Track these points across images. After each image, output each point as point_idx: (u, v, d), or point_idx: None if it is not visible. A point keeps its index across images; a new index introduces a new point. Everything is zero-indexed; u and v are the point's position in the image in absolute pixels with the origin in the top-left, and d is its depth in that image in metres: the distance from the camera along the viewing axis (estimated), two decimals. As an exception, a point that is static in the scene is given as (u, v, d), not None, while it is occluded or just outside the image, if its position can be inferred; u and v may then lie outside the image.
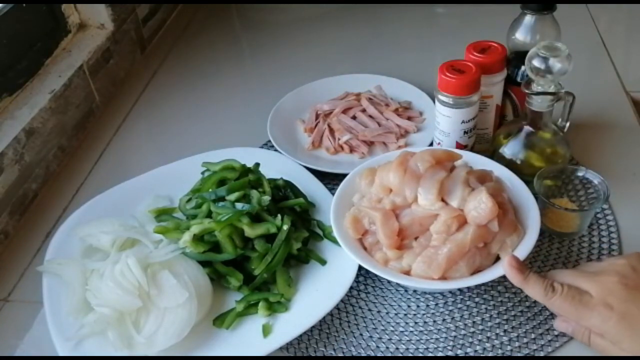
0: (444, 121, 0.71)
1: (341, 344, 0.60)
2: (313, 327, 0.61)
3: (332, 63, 1.04)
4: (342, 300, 0.62)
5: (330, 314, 0.63)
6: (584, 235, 0.68)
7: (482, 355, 0.58)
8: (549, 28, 0.70)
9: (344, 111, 0.87)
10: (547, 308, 0.60)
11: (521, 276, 0.54)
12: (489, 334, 0.60)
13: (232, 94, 0.99)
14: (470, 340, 0.59)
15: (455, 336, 0.60)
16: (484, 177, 0.62)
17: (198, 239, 0.63)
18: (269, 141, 0.83)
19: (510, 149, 0.70)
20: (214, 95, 0.99)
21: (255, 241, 0.63)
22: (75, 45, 0.95)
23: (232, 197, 0.65)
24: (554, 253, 0.67)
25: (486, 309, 0.62)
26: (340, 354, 0.59)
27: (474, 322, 0.61)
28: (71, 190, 0.82)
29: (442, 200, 0.59)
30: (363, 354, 0.59)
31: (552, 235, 0.68)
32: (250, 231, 0.63)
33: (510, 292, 0.63)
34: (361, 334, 0.61)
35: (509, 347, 0.58)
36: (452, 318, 0.61)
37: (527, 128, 0.69)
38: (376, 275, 0.65)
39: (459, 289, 0.64)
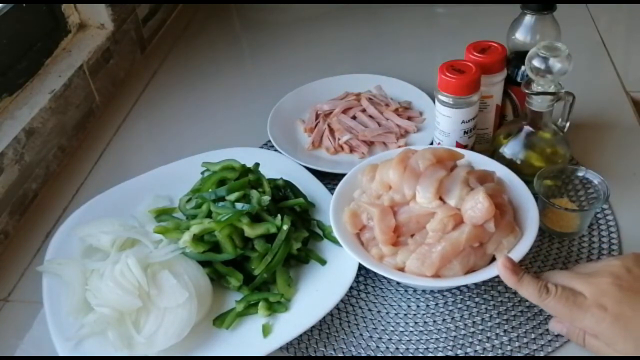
0: (444, 121, 0.71)
1: (341, 344, 0.60)
2: (313, 327, 0.61)
3: (332, 63, 1.04)
4: (342, 300, 0.62)
5: (330, 314, 0.63)
6: (584, 235, 0.68)
7: (482, 355, 0.58)
8: (549, 28, 0.70)
9: (344, 111, 0.87)
10: (547, 308, 0.60)
11: (515, 277, 0.54)
12: (489, 334, 0.60)
13: (232, 94, 0.99)
14: (470, 340, 0.59)
15: (455, 336, 0.60)
16: (484, 178, 0.62)
17: (198, 239, 0.63)
18: (269, 141, 0.83)
19: (510, 149, 0.70)
20: (214, 95, 0.99)
21: (255, 241, 0.63)
22: (75, 45, 0.95)
23: (232, 197, 0.65)
24: (554, 253, 0.67)
25: (486, 309, 0.62)
26: (340, 354, 0.59)
27: (474, 322, 0.61)
28: (71, 190, 0.82)
29: (440, 199, 0.59)
30: (363, 354, 0.59)
31: (552, 235, 0.68)
32: (250, 231, 0.63)
33: (510, 292, 0.63)
34: (361, 334, 0.61)
35: (509, 347, 0.58)
36: (452, 318, 0.61)
37: (527, 128, 0.69)
38: (376, 275, 0.65)
39: (459, 289, 0.64)
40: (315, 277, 0.64)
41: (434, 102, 0.72)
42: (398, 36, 1.12)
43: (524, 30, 0.71)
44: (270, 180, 0.70)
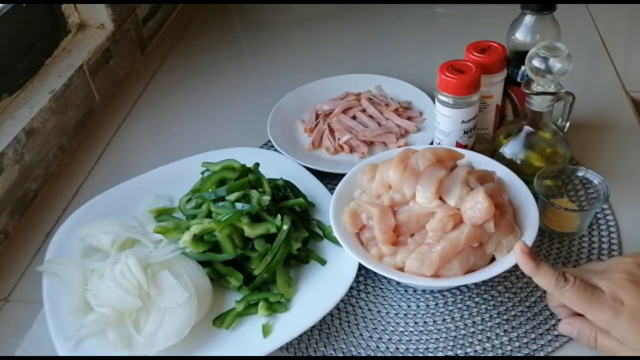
0: (444, 121, 0.71)
1: (341, 344, 0.60)
2: (313, 327, 0.61)
3: (332, 63, 1.04)
4: (342, 300, 0.62)
5: (330, 314, 0.63)
6: (584, 235, 0.68)
7: (482, 355, 0.58)
8: (549, 28, 0.70)
9: (344, 111, 0.87)
10: (547, 308, 0.60)
11: (533, 263, 0.53)
12: (489, 334, 0.60)
13: (232, 94, 0.99)
14: (470, 340, 0.59)
15: (455, 336, 0.60)
16: (484, 178, 0.62)
17: (198, 239, 0.63)
18: (269, 141, 0.83)
19: (510, 149, 0.70)
20: (214, 95, 0.99)
21: (255, 241, 0.63)
22: (75, 45, 0.95)
23: (232, 197, 0.65)
24: (554, 253, 0.67)
25: (486, 309, 0.62)
26: (340, 354, 0.59)
27: (474, 322, 0.61)
28: (71, 190, 0.82)
29: (440, 198, 0.59)
30: (363, 354, 0.59)
31: (552, 235, 0.68)
32: (250, 231, 0.63)
33: (510, 292, 0.63)
34: (361, 334, 0.61)
35: (509, 347, 0.58)
36: (452, 318, 0.61)
37: (527, 128, 0.69)
38: (376, 275, 0.65)
39: (459, 289, 0.64)
40: (315, 277, 0.64)
41: (434, 102, 0.72)
42: (398, 36, 1.12)
43: (524, 30, 0.71)
44: (270, 180, 0.70)
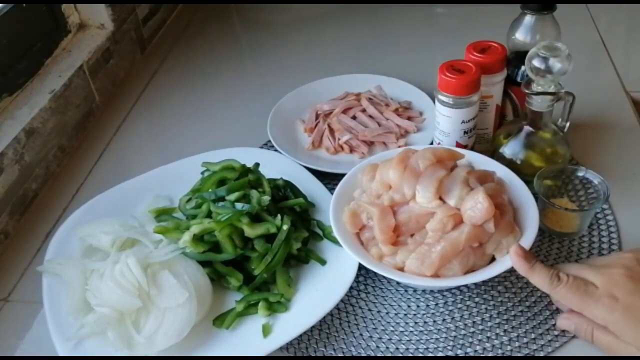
0: (444, 121, 0.71)
1: (341, 344, 0.60)
2: (313, 327, 0.61)
3: (332, 63, 1.04)
4: (342, 300, 0.62)
5: (330, 314, 0.63)
6: (584, 235, 0.68)
7: (482, 355, 0.58)
8: (549, 28, 0.70)
9: (344, 111, 0.87)
10: (547, 308, 0.60)
11: (527, 265, 0.55)
12: (489, 334, 0.60)
13: (232, 94, 0.99)
14: (470, 340, 0.59)
15: (455, 336, 0.60)
16: (484, 178, 0.62)
17: (198, 239, 0.63)
18: (269, 141, 0.83)
19: (510, 149, 0.70)
20: (214, 95, 0.99)
21: (255, 241, 0.63)
22: (75, 45, 0.95)
23: (232, 197, 0.65)
24: (554, 253, 0.67)
25: (486, 309, 0.62)
26: (340, 354, 0.59)
27: (474, 322, 0.61)
28: (71, 190, 0.82)
29: (440, 198, 0.59)
30: (363, 354, 0.59)
31: (552, 235, 0.68)
32: (250, 231, 0.63)
33: (510, 292, 0.63)
34: (361, 334, 0.61)
35: (509, 347, 0.58)
36: (452, 318, 0.61)
37: (527, 128, 0.69)
38: (376, 275, 0.65)
39: (459, 289, 0.64)
40: (315, 277, 0.64)
41: (434, 102, 0.72)
42: (398, 36, 1.12)
43: (524, 30, 0.71)
44: (270, 180, 0.70)
